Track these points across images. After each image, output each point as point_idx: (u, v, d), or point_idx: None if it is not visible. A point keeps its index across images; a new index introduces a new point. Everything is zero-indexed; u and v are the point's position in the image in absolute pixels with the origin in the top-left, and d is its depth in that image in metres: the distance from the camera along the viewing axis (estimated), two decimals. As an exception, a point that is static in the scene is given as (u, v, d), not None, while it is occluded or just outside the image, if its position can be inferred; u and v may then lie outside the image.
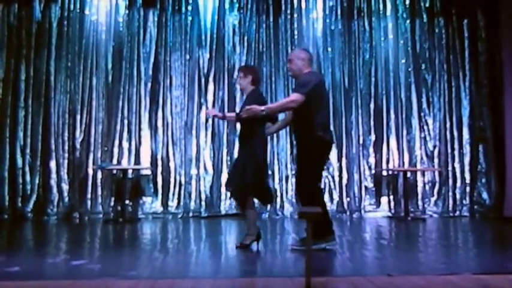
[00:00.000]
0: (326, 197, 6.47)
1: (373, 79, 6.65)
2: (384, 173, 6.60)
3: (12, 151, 6.14)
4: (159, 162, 6.37)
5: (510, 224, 5.81)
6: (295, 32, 6.64)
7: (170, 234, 5.18)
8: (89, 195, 6.21)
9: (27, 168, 6.14)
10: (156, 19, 6.49)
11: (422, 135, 6.65)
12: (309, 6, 6.69)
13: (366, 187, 6.54)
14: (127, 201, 6.11)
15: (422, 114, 6.66)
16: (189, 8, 6.55)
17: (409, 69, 6.69)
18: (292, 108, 3.92)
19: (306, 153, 3.87)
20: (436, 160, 6.61)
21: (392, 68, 6.68)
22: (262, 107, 3.88)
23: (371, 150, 6.60)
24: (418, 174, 6.56)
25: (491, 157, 6.56)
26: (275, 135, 6.49)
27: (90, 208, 6.18)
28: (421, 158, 6.62)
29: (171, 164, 6.37)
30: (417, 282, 2.87)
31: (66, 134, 6.25)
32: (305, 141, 3.90)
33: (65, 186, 6.18)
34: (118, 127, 6.35)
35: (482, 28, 6.70)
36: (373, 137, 6.61)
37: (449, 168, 6.58)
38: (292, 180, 6.41)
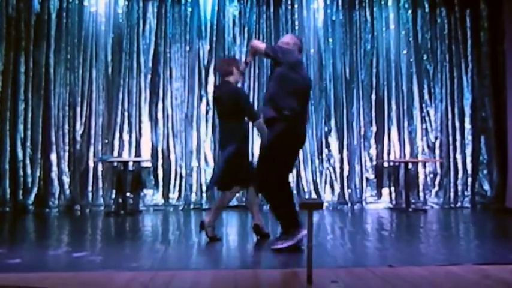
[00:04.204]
0: (327, 188, 6.49)
1: (374, 70, 6.61)
2: (385, 164, 6.59)
3: (12, 144, 6.13)
4: (160, 155, 6.36)
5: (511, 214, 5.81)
6: (296, 23, 6.59)
7: (171, 226, 5.18)
8: (89, 188, 6.22)
9: (27, 161, 6.13)
10: (155, 10, 6.45)
11: (424, 126, 6.62)
12: (309, -3, 6.63)
13: (367, 178, 6.54)
14: (128, 194, 6.10)
15: (423, 105, 6.63)
16: (189, -1, 6.51)
17: (411, 60, 6.64)
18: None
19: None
20: (437, 151, 6.59)
21: (394, 59, 6.64)
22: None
23: (372, 141, 6.58)
24: (420, 165, 6.55)
25: (493, 148, 6.54)
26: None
27: (91, 200, 6.18)
28: (423, 149, 6.60)
29: (172, 156, 6.37)
30: (419, 273, 2.86)
31: (66, 126, 6.24)
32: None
33: (66, 179, 6.18)
34: (118, 119, 6.33)
35: (485, 18, 6.64)
36: (374, 128, 6.59)
37: (451, 159, 6.57)
38: (293, 173, 6.41)
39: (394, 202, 6.49)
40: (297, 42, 3.83)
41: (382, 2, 6.68)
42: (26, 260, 3.34)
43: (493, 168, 6.52)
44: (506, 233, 4.88)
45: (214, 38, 6.50)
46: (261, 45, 3.77)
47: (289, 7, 6.59)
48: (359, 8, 6.64)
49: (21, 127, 6.16)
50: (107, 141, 6.31)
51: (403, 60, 6.65)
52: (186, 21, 6.49)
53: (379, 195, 6.53)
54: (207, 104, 6.46)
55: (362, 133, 6.56)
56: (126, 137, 6.33)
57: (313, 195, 6.37)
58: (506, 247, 3.78)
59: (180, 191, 6.33)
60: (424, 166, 6.58)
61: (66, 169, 6.20)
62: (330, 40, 6.60)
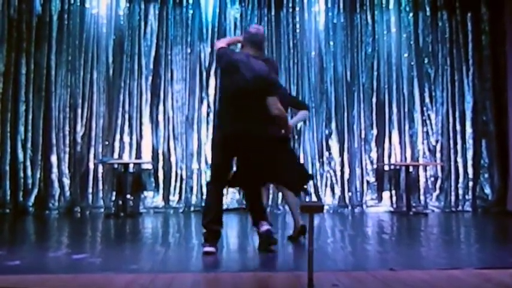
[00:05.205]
0: (328, 191, 6.47)
1: (375, 73, 6.61)
2: (386, 167, 6.58)
3: (13, 145, 6.13)
4: (160, 157, 6.35)
5: (513, 218, 5.80)
6: (297, 26, 6.60)
7: (171, 228, 5.18)
8: (90, 190, 6.21)
9: (28, 163, 6.13)
10: (157, 12, 6.45)
11: (425, 129, 6.62)
12: (311, 0, 6.64)
13: (367, 182, 6.53)
14: (128, 196, 6.09)
15: (424, 108, 6.63)
16: (190, 1, 6.51)
17: (412, 63, 6.65)
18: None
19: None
20: (438, 155, 6.59)
21: (395, 62, 6.64)
22: None
23: (373, 144, 6.58)
24: (420, 168, 6.54)
25: (494, 151, 6.54)
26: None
27: (92, 202, 6.17)
28: (424, 153, 6.59)
29: (172, 159, 6.36)
30: (420, 277, 2.85)
31: (67, 128, 6.24)
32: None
33: (66, 181, 6.17)
34: (119, 121, 6.33)
35: (486, 21, 6.65)
36: (375, 132, 6.58)
37: (452, 162, 6.56)
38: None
39: (394, 205, 6.47)
40: (247, 37, 3.51)
41: (383, 5, 6.69)
42: (25, 261, 3.33)
43: (494, 172, 6.51)
44: (508, 236, 4.87)
45: (215, 41, 6.49)
46: (217, 46, 3.63)
47: (291, 10, 6.60)
48: (360, 11, 6.64)
49: (21, 128, 6.15)
50: (107, 143, 6.31)
51: (404, 63, 6.65)
52: (187, 23, 6.50)
53: (380, 198, 6.52)
54: (208, 106, 6.46)
55: (363, 136, 6.56)
56: (126, 138, 6.33)
57: (314, 199, 6.35)
58: (508, 251, 3.76)
59: (180, 193, 6.32)
60: (425, 169, 6.57)
61: (67, 171, 6.19)
62: (331, 43, 6.61)
